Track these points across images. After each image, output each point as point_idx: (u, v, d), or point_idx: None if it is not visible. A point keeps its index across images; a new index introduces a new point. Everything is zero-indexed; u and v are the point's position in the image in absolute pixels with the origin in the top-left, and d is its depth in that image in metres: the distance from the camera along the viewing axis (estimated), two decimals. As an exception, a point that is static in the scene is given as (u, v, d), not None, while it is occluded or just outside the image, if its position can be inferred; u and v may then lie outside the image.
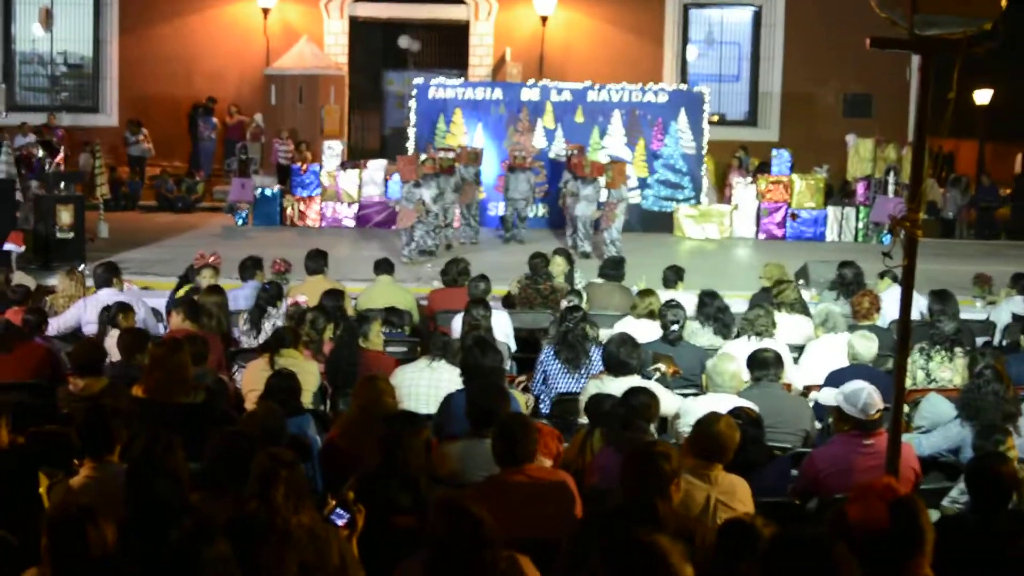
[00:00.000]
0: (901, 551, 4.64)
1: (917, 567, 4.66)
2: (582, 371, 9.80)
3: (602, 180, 20.11)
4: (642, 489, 5.57)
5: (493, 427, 6.59)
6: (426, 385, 9.17)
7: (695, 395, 9.12)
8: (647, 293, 11.85)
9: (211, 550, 4.68)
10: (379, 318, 10.79)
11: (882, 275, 13.27)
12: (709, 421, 6.66)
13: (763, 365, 8.90)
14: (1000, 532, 5.86)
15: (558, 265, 14.76)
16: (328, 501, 5.59)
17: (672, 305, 10.85)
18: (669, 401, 8.74)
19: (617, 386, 8.43)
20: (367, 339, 10.25)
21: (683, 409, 8.47)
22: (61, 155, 20.34)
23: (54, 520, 4.90)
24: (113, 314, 10.75)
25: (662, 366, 9.65)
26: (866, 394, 7.47)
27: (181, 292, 12.68)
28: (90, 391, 8.19)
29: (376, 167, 24.09)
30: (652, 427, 7.72)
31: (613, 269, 13.98)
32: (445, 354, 9.34)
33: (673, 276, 13.33)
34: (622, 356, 8.93)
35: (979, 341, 12.27)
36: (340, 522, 5.38)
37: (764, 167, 25.70)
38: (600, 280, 13.94)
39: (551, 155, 23.48)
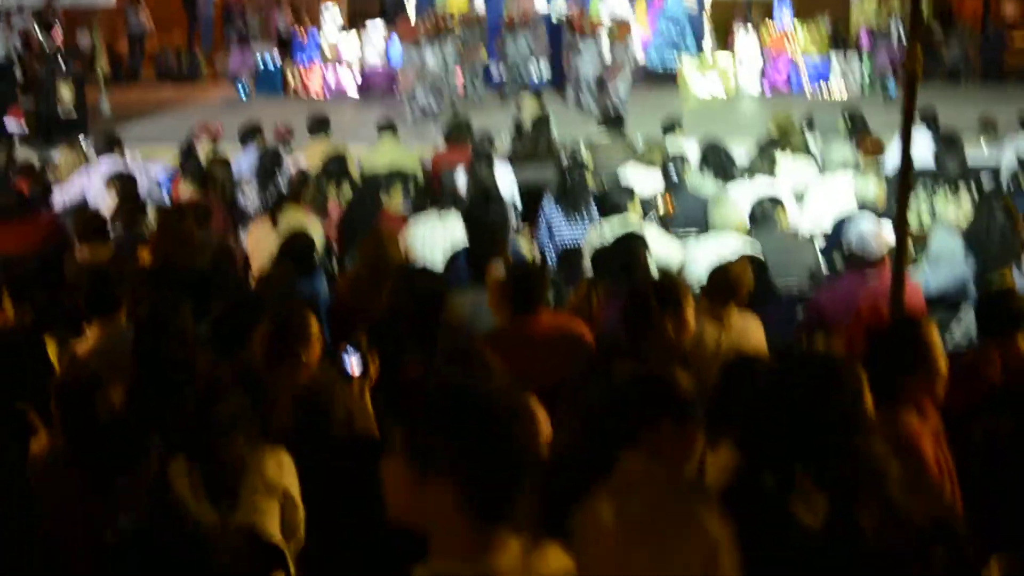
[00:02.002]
0: (891, 369, 4.44)
1: (922, 387, 4.50)
2: (583, 216, 9.76)
3: (604, 37, 19.86)
4: (627, 322, 5.62)
5: (503, 274, 6.47)
6: (441, 238, 9.05)
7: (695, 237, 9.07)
8: (652, 145, 11.82)
9: (225, 406, 4.67)
10: (399, 182, 10.70)
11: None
12: (722, 266, 6.67)
13: (766, 207, 8.86)
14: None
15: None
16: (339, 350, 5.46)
17: (675, 154, 10.83)
18: (670, 248, 8.74)
19: (613, 229, 8.42)
20: (390, 198, 10.16)
21: (687, 256, 8.46)
22: (60, 34, 20.17)
23: (62, 389, 4.93)
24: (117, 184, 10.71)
25: (659, 200, 9.61)
26: (858, 232, 7.48)
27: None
28: (97, 259, 8.20)
29: (375, 27, 23.81)
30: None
31: (615, 126, 13.90)
32: (455, 203, 9.25)
33: (670, 124, 13.32)
34: (613, 197, 8.92)
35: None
36: (354, 361, 5.23)
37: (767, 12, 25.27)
38: (603, 137, 13.86)
39: (554, 19, 23.15)
